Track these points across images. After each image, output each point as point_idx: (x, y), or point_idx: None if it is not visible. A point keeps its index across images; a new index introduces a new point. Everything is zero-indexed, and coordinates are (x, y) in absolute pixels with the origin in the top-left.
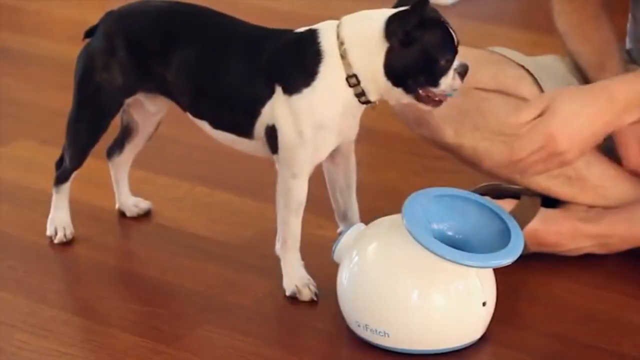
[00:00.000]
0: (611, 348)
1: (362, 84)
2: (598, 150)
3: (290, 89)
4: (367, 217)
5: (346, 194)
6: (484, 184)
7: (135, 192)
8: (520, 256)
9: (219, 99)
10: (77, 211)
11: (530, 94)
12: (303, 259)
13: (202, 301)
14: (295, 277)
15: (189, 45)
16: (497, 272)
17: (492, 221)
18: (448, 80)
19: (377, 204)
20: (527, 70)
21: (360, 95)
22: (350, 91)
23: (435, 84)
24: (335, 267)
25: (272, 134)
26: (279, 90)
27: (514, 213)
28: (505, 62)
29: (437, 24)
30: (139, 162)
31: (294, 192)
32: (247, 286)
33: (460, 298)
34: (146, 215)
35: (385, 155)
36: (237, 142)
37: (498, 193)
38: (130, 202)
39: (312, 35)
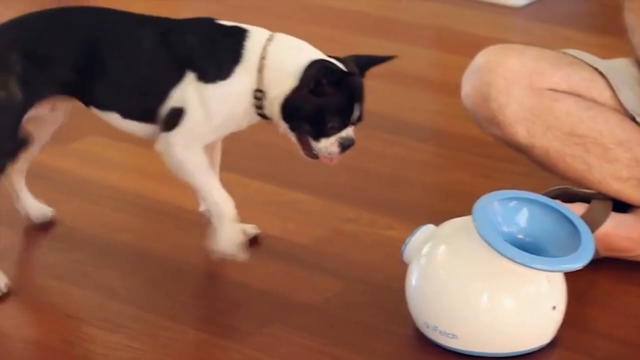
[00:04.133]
0: None
1: (264, 101)
2: None
3: (206, 77)
4: (437, 218)
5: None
6: (554, 187)
7: None
8: (590, 261)
9: (130, 88)
10: (148, 207)
11: (602, 96)
12: (371, 259)
13: (271, 300)
14: (233, 238)
15: (95, 42)
16: (567, 276)
17: (563, 225)
18: (327, 143)
19: (446, 205)
20: (600, 73)
21: (259, 108)
22: (251, 101)
23: (316, 139)
24: (404, 267)
25: (175, 114)
26: (190, 76)
27: (584, 217)
28: (578, 63)
29: (349, 94)
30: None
31: (190, 160)
32: (315, 286)
33: (530, 301)
34: (51, 223)
35: (454, 157)
36: (139, 128)
37: (569, 196)
38: (36, 207)
39: (240, 35)
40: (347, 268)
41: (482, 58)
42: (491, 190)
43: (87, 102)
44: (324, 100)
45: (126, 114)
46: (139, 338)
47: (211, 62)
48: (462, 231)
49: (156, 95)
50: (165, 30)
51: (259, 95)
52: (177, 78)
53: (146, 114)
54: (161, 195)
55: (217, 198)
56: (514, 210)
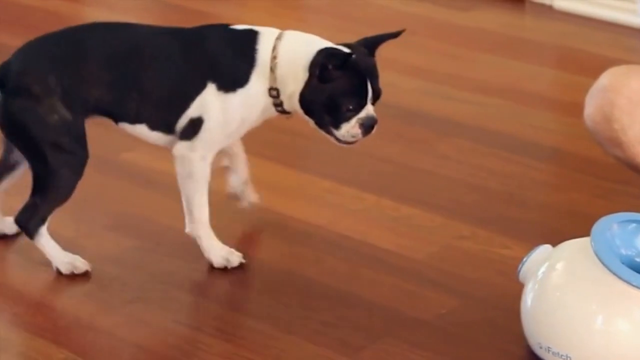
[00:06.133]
0: None
1: (281, 97)
2: None
3: (227, 88)
4: (553, 237)
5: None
6: None
7: (320, 201)
8: None
9: (159, 99)
10: (265, 220)
11: None
12: (485, 277)
13: (384, 314)
14: (219, 249)
15: (124, 57)
16: None
17: None
18: (348, 127)
19: (562, 224)
20: None
21: (278, 105)
22: (269, 100)
23: (336, 127)
24: (519, 287)
25: (194, 124)
26: (211, 86)
27: None
28: None
29: (357, 73)
30: (325, 172)
31: (202, 172)
32: (429, 302)
33: None
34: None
35: (573, 177)
36: (162, 140)
37: None
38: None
39: (251, 39)
40: (461, 285)
41: (606, 78)
42: (609, 212)
43: (118, 119)
44: (333, 85)
45: (154, 126)
46: (252, 348)
47: (229, 70)
48: (579, 253)
49: (180, 106)
50: (187, 40)
51: (274, 94)
52: (199, 89)
53: (170, 126)
54: (279, 207)
55: (198, 214)
56: (633, 233)
